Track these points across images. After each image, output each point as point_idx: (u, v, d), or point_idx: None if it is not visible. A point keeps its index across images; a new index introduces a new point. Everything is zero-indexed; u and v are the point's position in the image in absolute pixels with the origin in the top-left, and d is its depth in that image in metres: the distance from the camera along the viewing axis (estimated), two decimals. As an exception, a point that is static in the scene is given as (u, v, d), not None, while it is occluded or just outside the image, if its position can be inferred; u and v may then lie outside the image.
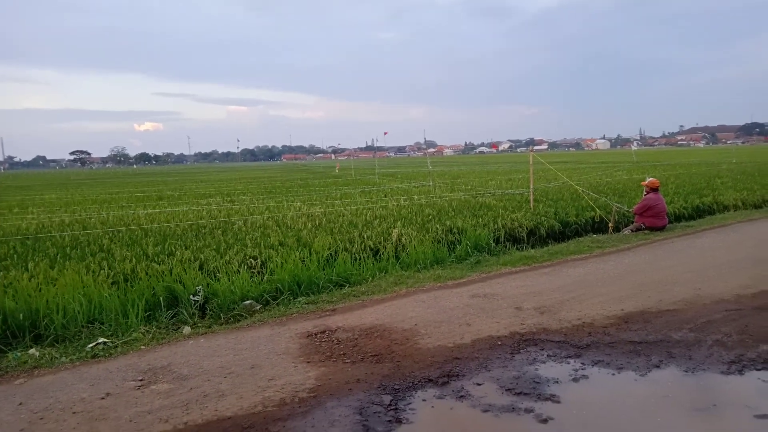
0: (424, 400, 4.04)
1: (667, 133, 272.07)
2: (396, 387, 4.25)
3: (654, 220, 11.10)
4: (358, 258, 8.81)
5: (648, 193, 11.45)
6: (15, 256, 8.72)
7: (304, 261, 8.12)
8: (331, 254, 8.81)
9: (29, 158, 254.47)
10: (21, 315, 5.98)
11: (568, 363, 4.63)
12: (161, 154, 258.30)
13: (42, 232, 11.30)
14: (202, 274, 7.68)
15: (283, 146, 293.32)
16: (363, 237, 9.81)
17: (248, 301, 6.82)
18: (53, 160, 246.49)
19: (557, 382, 4.27)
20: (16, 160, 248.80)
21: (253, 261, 8.37)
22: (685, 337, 5.10)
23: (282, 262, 7.94)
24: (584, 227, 12.23)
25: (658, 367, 4.49)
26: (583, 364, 4.60)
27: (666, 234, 10.76)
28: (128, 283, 7.22)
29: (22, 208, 17.74)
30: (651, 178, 11.87)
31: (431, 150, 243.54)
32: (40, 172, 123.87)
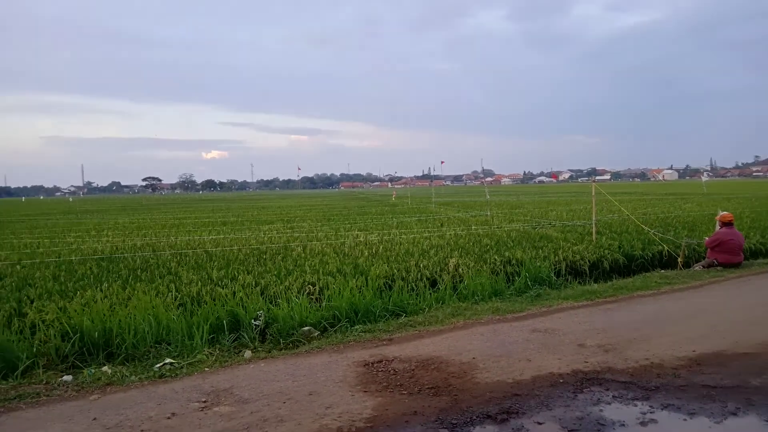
0: (482, 437, 3.95)
1: (740, 164, 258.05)
2: (453, 422, 4.19)
3: (728, 256, 10.51)
4: (414, 287, 8.80)
5: (721, 227, 10.87)
6: (91, 276, 9.27)
7: (361, 289, 8.19)
8: (387, 283, 8.85)
9: (105, 183, 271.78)
10: (96, 333, 6.34)
11: (635, 405, 4.42)
12: (226, 181, 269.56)
13: (116, 254, 11.97)
14: (262, 299, 7.90)
15: (342, 174, 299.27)
16: (419, 266, 9.81)
17: (307, 328, 6.93)
18: (127, 186, 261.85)
19: (623, 425, 4.08)
20: (94, 185, 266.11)
21: (311, 287, 8.53)
22: (765, 384, 4.76)
23: (339, 290, 8.04)
24: (651, 262, 11.73)
25: (735, 414, 4.21)
26: (651, 407, 4.38)
27: (741, 271, 10.15)
28: (194, 306, 7.53)
29: (98, 231, 18.87)
30: (723, 212, 11.28)
31: (489, 179, 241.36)
32: (114, 197, 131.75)
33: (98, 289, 8.25)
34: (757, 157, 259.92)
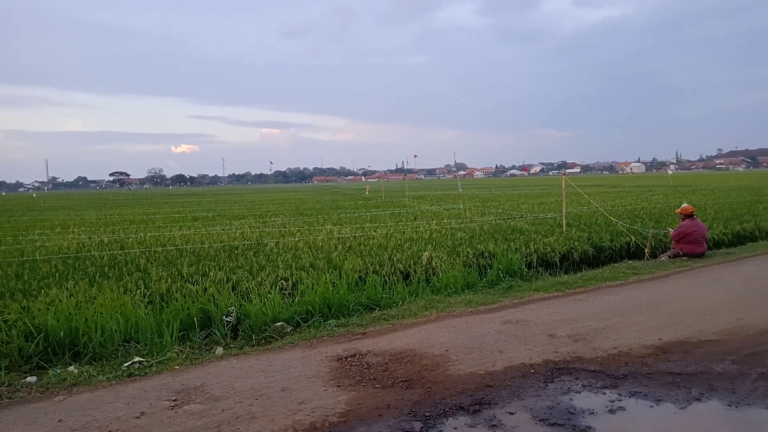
0: (455, 429, 3.98)
1: (705, 157, 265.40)
2: (427, 414, 4.21)
3: (692, 246, 10.80)
4: (388, 281, 8.81)
5: (683, 219, 11.15)
6: (57, 274, 9.02)
7: (334, 284, 8.16)
8: (361, 277, 8.84)
9: (71, 179, 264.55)
10: (61, 333, 6.17)
11: (604, 393, 4.51)
12: (196, 176, 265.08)
13: (82, 251, 11.67)
14: (234, 295, 7.80)
15: (315, 168, 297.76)
16: (393, 260, 9.82)
17: (279, 323, 6.88)
18: (93, 181, 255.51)
19: (593, 413, 4.16)
20: (59, 180, 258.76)
21: (284, 282, 8.46)
22: (727, 370, 4.91)
23: (313, 284, 8.00)
24: (619, 253, 11.98)
25: (699, 400, 4.33)
26: (619, 395, 4.48)
27: (705, 261, 10.45)
28: (164, 303, 7.39)
29: (64, 228, 18.37)
30: (684, 204, 11.57)
31: (462, 172, 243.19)
32: (81, 193, 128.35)
33: (64, 287, 8.03)
34: (720, 149, 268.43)
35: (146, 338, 6.30)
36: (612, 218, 13.64)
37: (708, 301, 7.38)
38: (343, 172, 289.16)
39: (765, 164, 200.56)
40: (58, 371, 5.45)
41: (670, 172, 65.22)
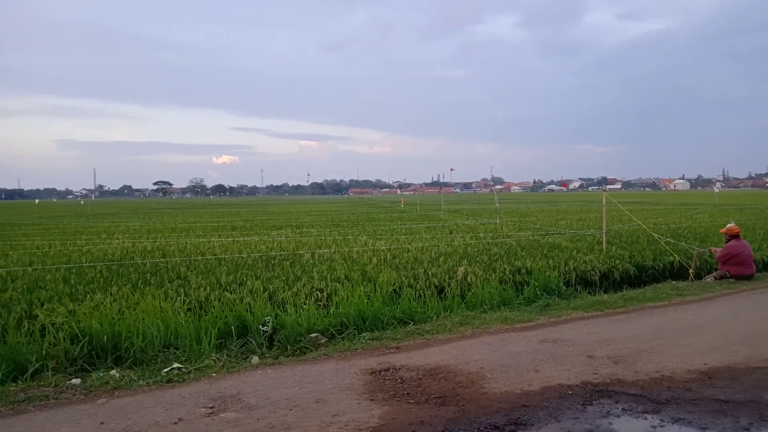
0: (489, 448, 3.92)
1: (753, 174, 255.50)
2: (461, 432, 4.15)
3: (739, 268, 10.38)
4: (422, 295, 8.76)
5: (729, 240, 10.74)
6: (101, 279, 9.32)
7: (369, 296, 8.17)
8: (395, 290, 8.83)
9: (117, 187, 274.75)
10: (105, 337, 6.37)
11: (645, 419, 4.36)
12: (236, 186, 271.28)
13: (126, 257, 12.04)
14: (270, 304, 7.90)
15: (351, 180, 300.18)
16: (428, 274, 9.77)
17: (314, 334, 6.93)
18: (138, 190, 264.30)
19: (633, 438, 4.02)
20: (106, 188, 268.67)
21: (319, 294, 8.52)
22: (778, 399, 4.68)
23: (347, 296, 8.03)
24: (662, 273, 11.61)
25: (747, 430, 4.14)
26: (662, 420, 4.32)
27: (754, 283, 10.02)
28: (202, 311, 7.55)
29: (109, 235, 19.01)
30: (729, 225, 11.14)
31: (498, 187, 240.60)
32: (126, 201, 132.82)
33: (108, 292, 8.30)
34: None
35: (185, 345, 6.43)
36: (655, 235, 13.25)
37: (757, 325, 7.07)
38: (379, 185, 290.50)
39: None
40: (101, 374, 5.61)
41: (716, 189, 63.01)
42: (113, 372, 5.71)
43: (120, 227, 23.60)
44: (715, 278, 10.48)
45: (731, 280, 10.29)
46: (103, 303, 7.50)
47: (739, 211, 27.66)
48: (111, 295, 8.13)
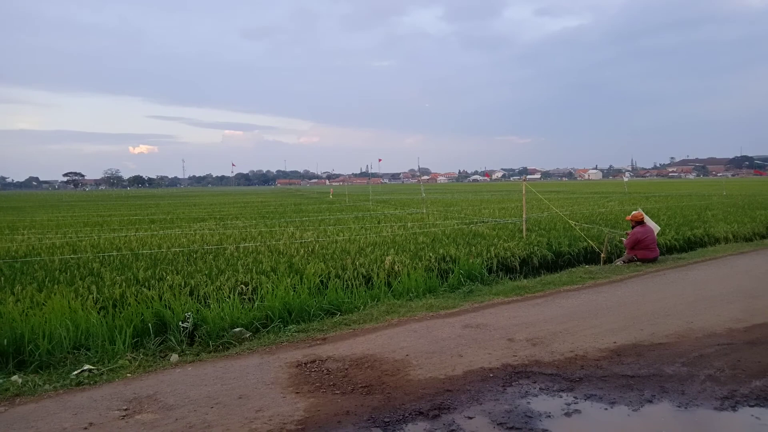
0: (414, 434, 3.97)
1: (658, 165, 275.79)
2: (386, 420, 4.18)
3: (645, 252, 11.14)
4: (350, 285, 8.75)
5: (634, 226, 11.49)
6: (2, 279, 8.61)
7: (295, 288, 8.06)
8: (322, 281, 8.76)
9: (22, 179, 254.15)
10: (5, 340, 5.87)
11: (561, 397, 4.58)
12: (155, 177, 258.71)
13: (31, 254, 11.19)
14: (192, 300, 7.61)
15: (278, 171, 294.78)
16: (356, 264, 9.77)
17: (238, 329, 6.73)
18: (46, 182, 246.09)
19: (549, 416, 4.22)
20: (9, 180, 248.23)
21: (244, 287, 8.31)
22: (677, 372, 5.06)
23: (273, 289, 7.87)
24: (577, 257, 12.25)
25: (650, 402, 4.45)
26: (575, 398, 4.55)
27: (658, 266, 10.79)
28: (117, 309, 7.14)
29: (12, 230, 17.60)
30: (635, 212, 11.92)
31: (425, 177, 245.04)
32: (32, 193, 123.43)
33: (10, 292, 7.67)
34: (672, 158, 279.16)
35: (97, 345, 6.06)
36: (571, 222, 13.95)
37: (660, 304, 7.61)
38: (307, 176, 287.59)
39: (714, 173, 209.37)
40: (1, 381, 5.18)
41: (625, 179, 67.43)
42: (15, 377, 5.28)
43: (25, 222, 21.90)
44: (624, 262, 11.19)
45: (638, 263, 11.02)
46: (3, 304, 6.92)
47: (646, 199, 29.69)
48: (14, 294, 7.53)
